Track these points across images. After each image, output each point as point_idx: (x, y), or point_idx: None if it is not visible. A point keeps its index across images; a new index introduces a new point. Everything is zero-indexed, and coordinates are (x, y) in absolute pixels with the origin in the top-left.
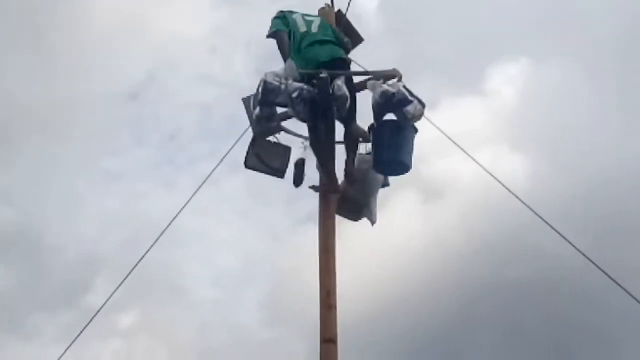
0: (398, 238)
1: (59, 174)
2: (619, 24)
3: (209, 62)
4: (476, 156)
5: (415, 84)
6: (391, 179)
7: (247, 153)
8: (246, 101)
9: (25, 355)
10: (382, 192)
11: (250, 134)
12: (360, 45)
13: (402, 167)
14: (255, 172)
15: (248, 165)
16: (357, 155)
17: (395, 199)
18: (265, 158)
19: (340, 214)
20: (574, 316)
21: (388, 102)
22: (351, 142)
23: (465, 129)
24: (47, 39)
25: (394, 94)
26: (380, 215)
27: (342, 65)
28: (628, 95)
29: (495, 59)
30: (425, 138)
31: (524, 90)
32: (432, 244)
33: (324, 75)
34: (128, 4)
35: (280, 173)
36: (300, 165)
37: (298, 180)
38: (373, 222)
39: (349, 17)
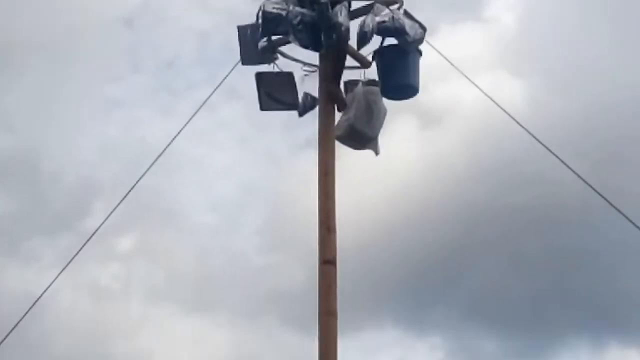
0: (397, 164)
1: (56, 100)
2: None
3: None
4: (475, 82)
5: (414, 10)
6: (390, 104)
7: (259, 95)
8: (241, 29)
9: (24, 279)
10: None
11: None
12: None
13: (410, 90)
14: (253, 98)
15: (263, 108)
16: (358, 85)
17: (394, 125)
18: (276, 93)
19: (344, 143)
20: (572, 240)
21: (389, 28)
22: (339, 67)
23: (465, 55)
24: None
25: (394, 19)
26: (380, 140)
27: None
28: (630, 19)
29: None
30: (424, 64)
31: (524, 16)
32: (431, 169)
33: (323, 0)
34: None
35: (294, 106)
36: (307, 99)
37: (303, 111)
38: (377, 153)
39: None
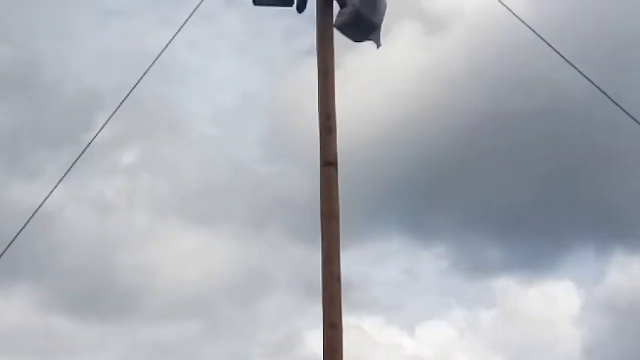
0: (400, 68)
1: (53, 10)
2: None
3: None
4: None
5: None
6: (393, 9)
7: None
8: None
9: (28, 193)
10: (384, 24)
11: None
12: None
13: None
14: (252, 8)
15: (257, 2)
16: None
17: (397, 31)
18: None
19: (347, 32)
20: (577, 145)
21: None
22: None
23: None
24: None
25: None
26: (381, 49)
27: None
28: None
29: None
30: None
31: None
32: (435, 73)
33: None
34: None
35: (289, 2)
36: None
37: (301, 6)
38: (379, 45)
39: None
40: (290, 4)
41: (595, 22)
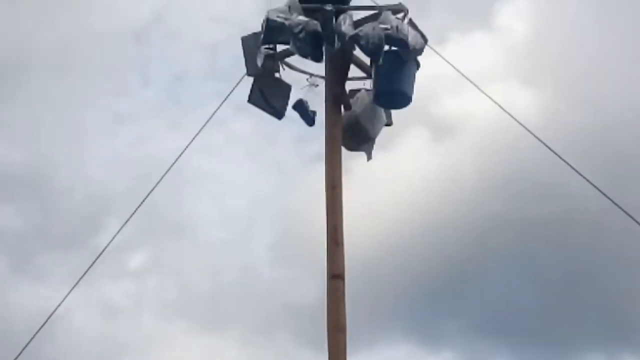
0: (409, 176)
1: (66, 114)
2: None
3: (216, 1)
4: (489, 91)
5: (423, 18)
6: (401, 117)
7: (252, 88)
8: (245, 40)
9: (37, 296)
10: (392, 130)
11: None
12: None
13: (403, 98)
14: (262, 113)
15: (250, 100)
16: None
17: (406, 137)
18: (268, 95)
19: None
20: (587, 252)
21: (391, 36)
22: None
23: (476, 65)
24: None
25: (398, 29)
26: (390, 152)
27: None
28: None
29: None
30: (435, 75)
31: (536, 25)
32: (444, 181)
33: (328, 8)
34: None
35: (278, 113)
36: (300, 105)
37: (309, 120)
38: (369, 158)
39: None
40: (279, 117)
41: (604, 131)
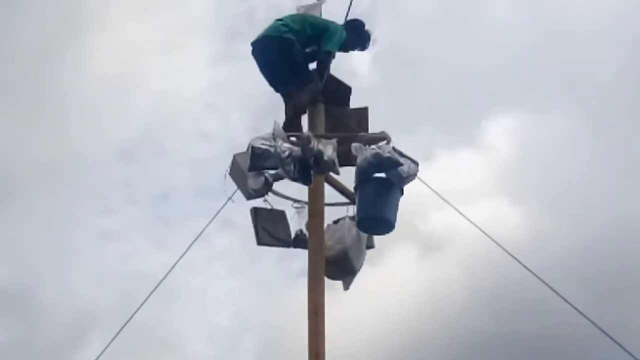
0: (396, 290)
1: (51, 230)
2: (624, 77)
3: (205, 119)
4: (474, 209)
5: (410, 135)
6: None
7: (255, 229)
8: (236, 158)
9: None
10: (379, 246)
11: (239, 193)
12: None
13: (386, 225)
14: (246, 230)
15: (261, 242)
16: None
17: (392, 254)
18: (271, 230)
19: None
20: None
21: (380, 164)
22: None
23: (462, 183)
24: (40, 95)
25: (387, 157)
26: (377, 269)
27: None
28: (633, 148)
29: (492, 110)
30: (420, 192)
31: (523, 143)
32: (431, 296)
33: (305, 134)
34: (124, 59)
35: (287, 243)
36: (300, 239)
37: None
38: (347, 289)
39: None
40: (289, 245)
41: (595, 255)
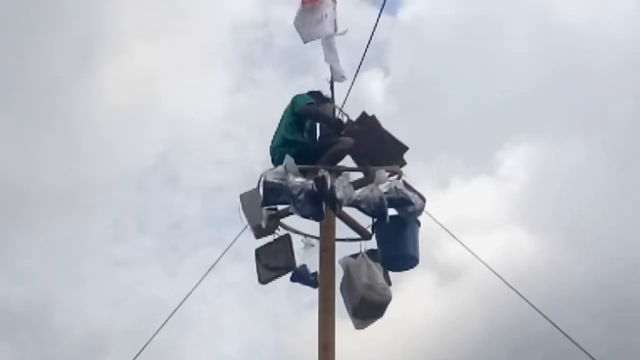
0: (414, 319)
1: (63, 256)
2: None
3: (222, 147)
4: (491, 238)
5: (428, 163)
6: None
7: (257, 269)
8: (243, 198)
9: None
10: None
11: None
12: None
13: (411, 260)
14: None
15: (262, 280)
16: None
17: (410, 283)
18: (273, 262)
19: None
20: None
21: (393, 199)
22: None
23: (479, 211)
24: (55, 118)
25: (397, 189)
26: (396, 294)
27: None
28: None
29: (509, 139)
30: (439, 221)
31: (539, 172)
32: (446, 328)
33: (320, 174)
34: (138, 85)
35: (289, 269)
36: (298, 276)
37: (312, 283)
38: (360, 329)
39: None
40: (292, 269)
41: (611, 284)
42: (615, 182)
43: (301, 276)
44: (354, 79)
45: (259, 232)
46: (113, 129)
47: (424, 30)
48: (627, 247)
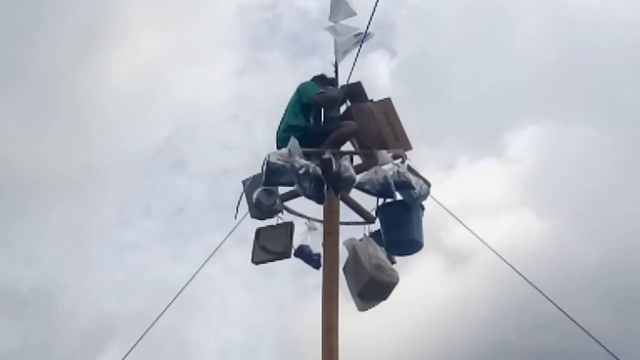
0: (421, 301)
1: (70, 240)
2: None
3: (229, 130)
4: (499, 221)
5: (435, 146)
6: None
7: (253, 248)
8: (245, 184)
9: None
10: (402, 258)
11: None
12: None
13: (415, 245)
14: None
15: (254, 260)
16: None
17: (418, 266)
18: (270, 245)
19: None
20: None
21: (396, 183)
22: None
23: (487, 193)
24: (62, 104)
25: (399, 173)
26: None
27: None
28: None
29: (517, 121)
30: (445, 204)
31: (547, 154)
32: (454, 310)
33: (326, 156)
34: (145, 71)
35: (284, 255)
36: (301, 252)
37: (315, 264)
38: (363, 310)
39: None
40: (287, 256)
41: (618, 268)
42: (623, 164)
43: (304, 254)
44: (355, 58)
45: (255, 213)
46: (120, 114)
47: (432, 12)
48: (635, 230)
